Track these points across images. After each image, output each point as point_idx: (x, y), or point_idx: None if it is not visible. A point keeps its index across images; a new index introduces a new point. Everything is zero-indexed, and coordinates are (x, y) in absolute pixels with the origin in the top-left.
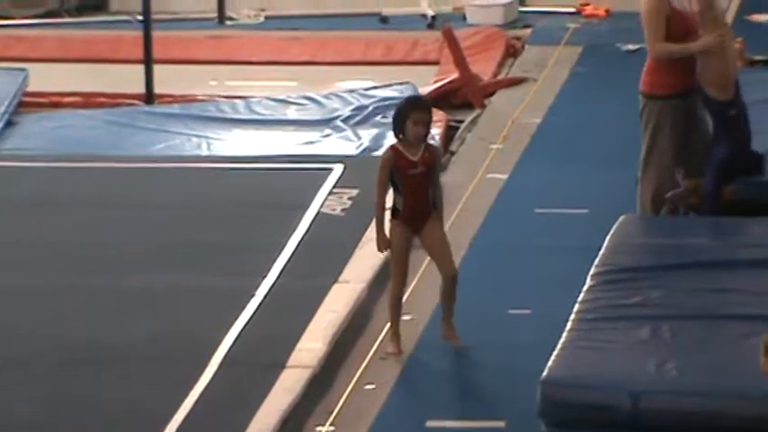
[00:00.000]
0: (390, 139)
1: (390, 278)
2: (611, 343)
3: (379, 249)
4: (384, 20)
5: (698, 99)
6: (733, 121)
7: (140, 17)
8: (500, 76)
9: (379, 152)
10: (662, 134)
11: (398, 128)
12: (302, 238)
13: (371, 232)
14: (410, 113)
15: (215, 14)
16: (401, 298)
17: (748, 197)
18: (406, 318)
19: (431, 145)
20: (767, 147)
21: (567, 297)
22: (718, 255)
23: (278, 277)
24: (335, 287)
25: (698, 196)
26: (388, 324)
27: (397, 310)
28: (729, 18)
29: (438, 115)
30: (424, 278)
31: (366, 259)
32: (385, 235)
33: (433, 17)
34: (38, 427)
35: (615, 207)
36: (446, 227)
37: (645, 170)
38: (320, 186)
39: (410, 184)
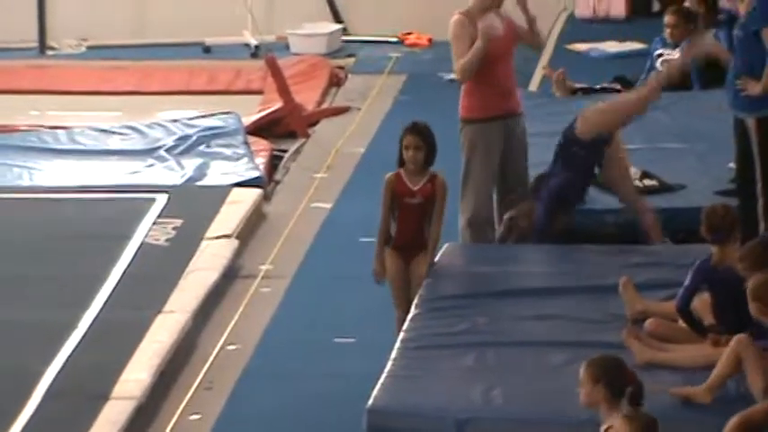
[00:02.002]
0: (213, 169)
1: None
2: (437, 370)
3: (375, 277)
4: (207, 49)
5: (519, 123)
6: (579, 156)
7: None
8: (324, 106)
9: (203, 182)
10: (476, 158)
11: (399, 154)
12: (126, 269)
13: (196, 262)
14: (403, 138)
15: (36, 44)
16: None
17: (576, 226)
18: (231, 347)
19: (438, 178)
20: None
21: (391, 325)
22: (542, 282)
23: (101, 309)
24: (160, 317)
25: (529, 219)
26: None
27: None
28: (549, 47)
29: (261, 145)
30: (250, 305)
31: (191, 289)
32: (382, 262)
33: (257, 46)
34: None
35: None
36: (271, 256)
37: (462, 194)
38: (144, 216)
39: (404, 212)
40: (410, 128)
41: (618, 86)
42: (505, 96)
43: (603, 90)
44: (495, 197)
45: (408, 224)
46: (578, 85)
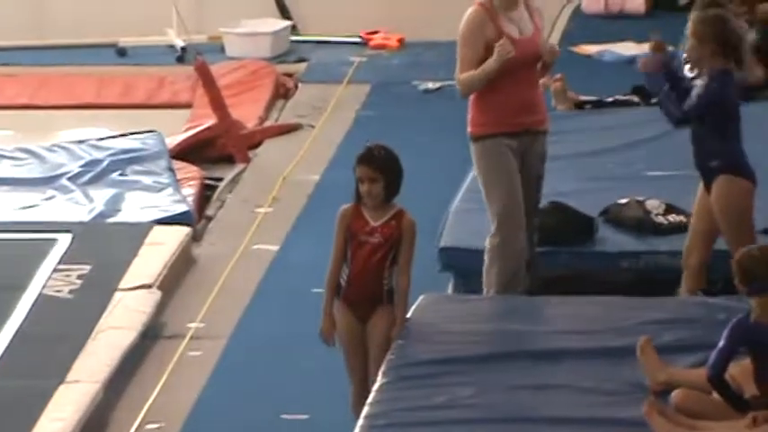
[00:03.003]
0: (130, 202)
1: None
2: None
3: (321, 335)
4: (122, 52)
5: (539, 143)
6: None
7: None
8: (268, 123)
9: (117, 218)
10: (496, 178)
11: (355, 186)
12: (19, 328)
13: (108, 319)
14: (355, 168)
15: None
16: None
17: (584, 272)
18: (151, 426)
19: (405, 216)
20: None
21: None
22: (542, 342)
23: None
24: (62, 389)
25: None
26: None
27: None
28: None
29: (190, 171)
30: (176, 373)
31: (101, 354)
32: (331, 318)
33: (183, 49)
34: None
35: (415, 285)
36: (202, 311)
37: (492, 222)
38: (41, 261)
39: (359, 254)
40: (363, 156)
41: (636, 99)
42: (525, 109)
43: (617, 103)
44: None
45: (364, 270)
46: (585, 98)
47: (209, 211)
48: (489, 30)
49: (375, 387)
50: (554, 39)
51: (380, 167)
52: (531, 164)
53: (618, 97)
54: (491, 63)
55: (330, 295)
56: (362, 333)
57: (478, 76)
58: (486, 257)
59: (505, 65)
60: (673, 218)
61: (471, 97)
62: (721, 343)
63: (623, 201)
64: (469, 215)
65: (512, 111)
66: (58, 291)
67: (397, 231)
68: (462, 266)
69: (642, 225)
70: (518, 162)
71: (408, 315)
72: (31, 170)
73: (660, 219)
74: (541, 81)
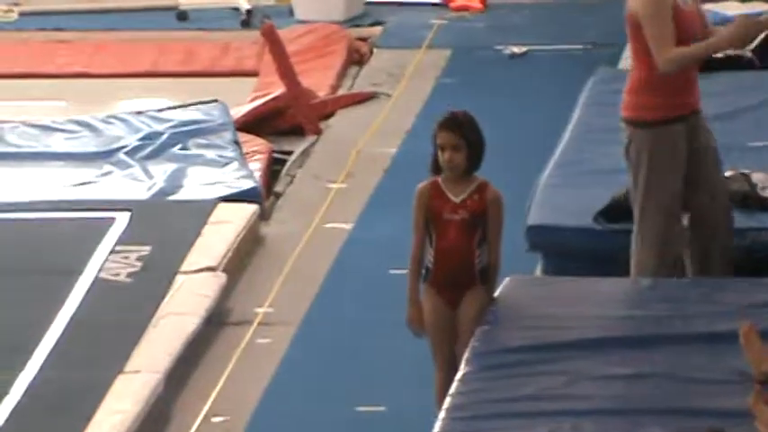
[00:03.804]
0: (192, 178)
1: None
2: None
3: (409, 324)
4: (183, 16)
5: (702, 122)
6: None
7: None
8: (341, 92)
9: (179, 196)
10: (660, 171)
11: (434, 156)
12: (74, 314)
13: (170, 304)
14: (436, 134)
15: None
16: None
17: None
18: (216, 419)
19: (490, 188)
20: None
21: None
22: (635, 328)
23: (41, 367)
24: (121, 379)
25: None
26: None
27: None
28: None
29: (257, 144)
30: (243, 362)
31: (162, 342)
32: (418, 305)
33: (249, 12)
34: None
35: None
36: (270, 295)
37: (641, 222)
38: (98, 243)
39: (444, 234)
40: (445, 121)
41: (749, 55)
42: (690, 88)
43: (727, 61)
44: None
45: (452, 252)
46: None
47: (278, 188)
48: (668, 2)
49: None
50: None
51: (464, 134)
52: (703, 139)
53: (729, 53)
54: (722, 43)
55: (414, 281)
56: (452, 319)
57: (694, 53)
58: (634, 258)
59: (683, 26)
60: None
61: (633, 76)
62: None
63: (727, 174)
64: (559, 191)
65: (682, 90)
66: (116, 274)
67: (482, 205)
68: (552, 246)
69: (748, 199)
70: (686, 147)
71: (495, 297)
72: (86, 144)
73: (767, 193)
74: None
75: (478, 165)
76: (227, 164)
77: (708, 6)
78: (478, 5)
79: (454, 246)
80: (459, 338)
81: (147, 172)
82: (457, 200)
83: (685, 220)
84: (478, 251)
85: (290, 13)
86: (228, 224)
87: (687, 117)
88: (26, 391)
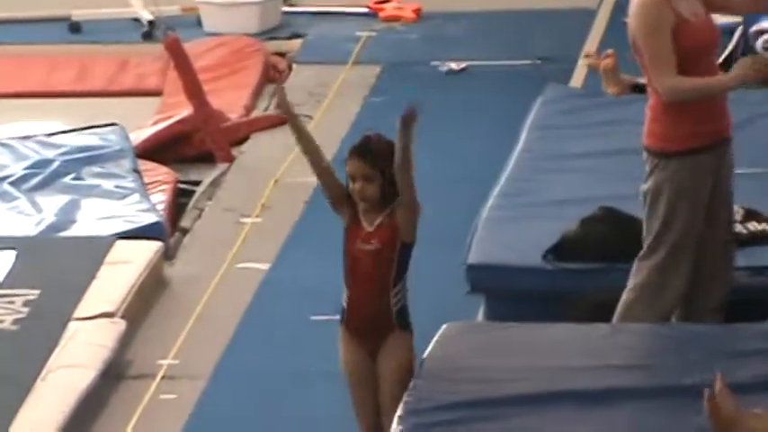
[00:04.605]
0: (87, 212)
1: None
2: None
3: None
4: (76, 27)
5: (728, 152)
6: None
7: None
8: (255, 113)
9: (71, 232)
10: (681, 206)
11: (345, 186)
12: None
13: (61, 356)
14: (347, 162)
15: None
16: None
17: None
18: None
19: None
20: None
21: None
22: (593, 381)
23: None
24: None
25: None
26: None
27: None
28: (603, 21)
29: (161, 174)
30: (145, 420)
31: (52, 398)
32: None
33: (151, 23)
34: None
35: (436, 310)
36: (176, 344)
37: (650, 256)
38: None
39: (356, 268)
40: (356, 147)
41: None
42: (718, 114)
43: None
44: None
45: (365, 290)
46: (641, 80)
47: (185, 223)
48: (668, 14)
49: None
50: (604, 4)
51: (377, 163)
52: (725, 178)
53: None
54: (726, 80)
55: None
56: (373, 370)
57: (700, 88)
58: (631, 290)
59: (691, 53)
60: (753, 226)
61: (651, 102)
62: None
63: None
64: (504, 225)
65: (708, 117)
66: (0, 321)
67: (392, 230)
68: (495, 287)
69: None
70: (710, 181)
71: (429, 348)
72: None
73: (739, 227)
74: (588, 62)
75: (397, 194)
76: (126, 195)
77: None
78: (411, 15)
79: (367, 281)
80: (384, 393)
81: (35, 204)
82: (370, 228)
83: None
84: (395, 289)
85: (198, 23)
86: (128, 264)
87: (716, 147)
88: None
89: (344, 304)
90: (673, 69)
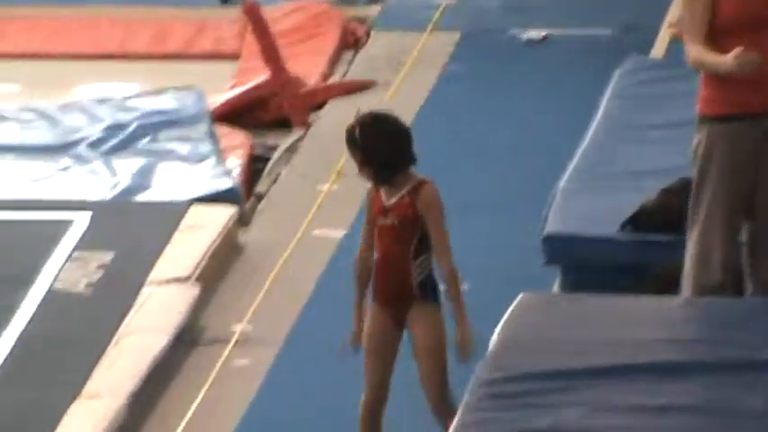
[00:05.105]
0: (162, 176)
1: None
2: None
3: (352, 341)
4: None
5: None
6: None
7: None
8: (333, 80)
9: (146, 196)
10: (719, 173)
11: None
12: (24, 330)
13: (134, 320)
14: None
15: None
16: (374, 419)
17: None
18: None
19: (422, 188)
20: None
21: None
22: (670, 353)
23: None
24: (77, 405)
25: None
26: None
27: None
28: None
29: (237, 138)
30: (218, 385)
31: (125, 363)
32: (359, 318)
33: None
34: None
35: (510, 279)
36: (250, 310)
37: (690, 225)
38: (53, 248)
39: (379, 241)
40: (346, 133)
41: None
42: (755, 85)
43: None
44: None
45: (385, 260)
46: None
47: (260, 188)
48: None
49: (461, 406)
50: None
51: (360, 150)
52: None
53: None
54: (722, 66)
55: (359, 294)
56: (394, 338)
57: (705, 62)
58: (686, 263)
59: (728, 26)
60: None
61: None
62: None
63: None
64: (581, 196)
65: (745, 86)
66: (73, 285)
67: (413, 210)
68: (572, 258)
69: None
70: (754, 149)
71: (503, 319)
72: (42, 135)
73: None
74: (672, 31)
75: (394, 171)
76: (201, 160)
77: None
78: None
79: (388, 255)
80: (419, 368)
81: (110, 168)
82: (387, 203)
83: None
84: (416, 261)
85: None
86: (203, 229)
87: (756, 117)
88: None
89: (374, 273)
90: (697, 38)
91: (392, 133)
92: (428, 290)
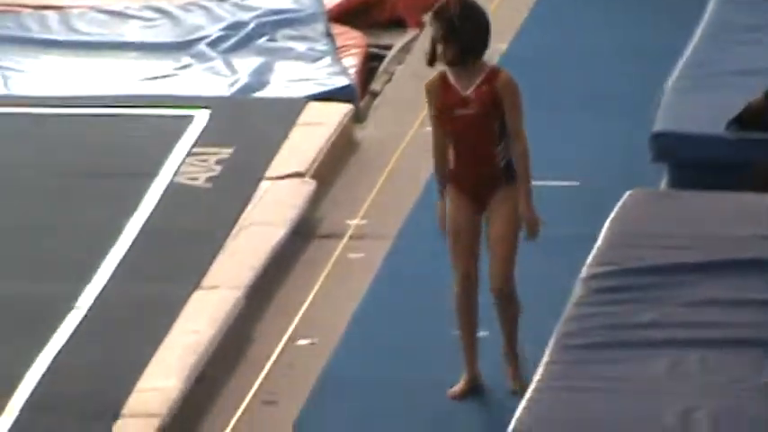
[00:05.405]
0: (279, 74)
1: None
2: (610, 382)
3: (439, 227)
4: None
5: None
6: None
7: None
8: None
9: (264, 92)
10: None
11: (431, 48)
12: (146, 222)
13: (252, 213)
14: (430, 24)
15: None
16: (468, 305)
17: None
18: (302, 342)
19: (498, 74)
20: None
21: (544, 311)
22: None
23: (110, 280)
24: (197, 295)
25: None
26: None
27: (463, 323)
28: None
29: (352, 37)
30: (333, 278)
31: (243, 255)
32: (443, 206)
33: None
34: None
35: (618, 176)
36: (364, 205)
37: None
38: (175, 143)
39: (457, 131)
40: (435, 10)
41: None
42: None
43: None
44: None
45: (469, 151)
46: None
47: (375, 86)
48: None
49: (571, 300)
50: None
51: (452, 26)
52: None
53: None
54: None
55: (439, 183)
56: (476, 222)
57: None
58: None
59: None
60: None
61: None
62: None
63: None
64: (689, 95)
65: None
66: (194, 178)
67: (492, 95)
68: (679, 156)
69: None
70: None
71: (612, 214)
72: (163, 33)
73: None
74: None
75: (478, 53)
76: (318, 58)
77: None
78: None
79: (470, 143)
80: (490, 250)
81: (229, 65)
82: (465, 93)
83: None
84: (499, 146)
85: None
86: (319, 126)
87: None
88: (92, 306)
89: (451, 165)
90: None
91: (483, 19)
92: (511, 172)
